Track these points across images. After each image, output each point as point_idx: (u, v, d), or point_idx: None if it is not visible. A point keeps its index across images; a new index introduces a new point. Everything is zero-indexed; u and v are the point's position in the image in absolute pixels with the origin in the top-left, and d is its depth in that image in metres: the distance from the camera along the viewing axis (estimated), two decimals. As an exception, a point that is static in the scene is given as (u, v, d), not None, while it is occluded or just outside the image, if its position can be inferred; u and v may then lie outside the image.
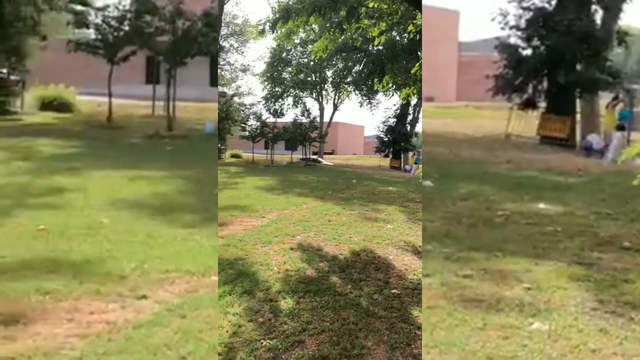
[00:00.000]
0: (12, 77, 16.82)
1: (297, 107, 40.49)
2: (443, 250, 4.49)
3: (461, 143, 12.80)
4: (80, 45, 15.48)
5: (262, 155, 35.10)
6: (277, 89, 40.71)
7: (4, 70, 16.48)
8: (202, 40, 14.73)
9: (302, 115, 34.39)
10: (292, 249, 6.53)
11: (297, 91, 41.56)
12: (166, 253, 4.67)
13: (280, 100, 40.43)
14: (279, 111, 36.20)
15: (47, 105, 18.07)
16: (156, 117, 17.30)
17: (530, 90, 14.47)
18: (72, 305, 3.36)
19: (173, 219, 6.02)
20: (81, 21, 15.51)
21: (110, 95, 15.77)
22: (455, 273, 3.99)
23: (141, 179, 8.04)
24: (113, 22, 15.33)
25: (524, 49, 14.32)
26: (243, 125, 33.49)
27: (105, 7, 15.51)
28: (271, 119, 34.41)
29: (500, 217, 5.74)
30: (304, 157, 34.19)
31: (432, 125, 15.97)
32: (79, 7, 15.50)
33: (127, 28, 15.37)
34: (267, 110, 36.63)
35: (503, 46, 14.41)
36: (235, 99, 36.81)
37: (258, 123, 33.16)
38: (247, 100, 39.08)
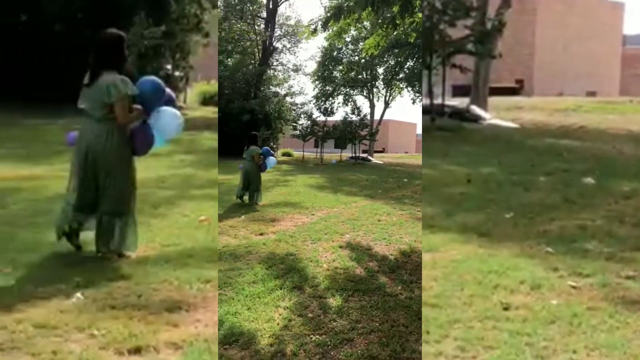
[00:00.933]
0: (176, 73, 17.56)
1: (347, 105, 40.23)
2: (605, 250, 4.29)
3: (624, 139, 12.27)
4: (240, 42, 15.90)
5: (312, 153, 35.24)
6: (327, 87, 40.50)
7: (169, 67, 17.15)
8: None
9: (352, 113, 34.37)
10: (341, 247, 6.47)
11: (348, 89, 41.29)
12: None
13: (330, 98, 40.19)
14: (329, 110, 36.08)
15: (208, 100, 18.77)
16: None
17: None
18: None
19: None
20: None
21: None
22: (617, 274, 3.79)
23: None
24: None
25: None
26: (294, 124, 33.72)
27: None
28: (321, 118, 34.61)
29: (667, 217, 5.44)
30: (353, 155, 34.12)
31: (593, 121, 15.44)
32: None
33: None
34: (317, 109, 36.65)
35: (670, 39, 13.70)
36: (287, 98, 37.13)
37: (309, 122, 33.40)
38: (298, 99, 39.11)
